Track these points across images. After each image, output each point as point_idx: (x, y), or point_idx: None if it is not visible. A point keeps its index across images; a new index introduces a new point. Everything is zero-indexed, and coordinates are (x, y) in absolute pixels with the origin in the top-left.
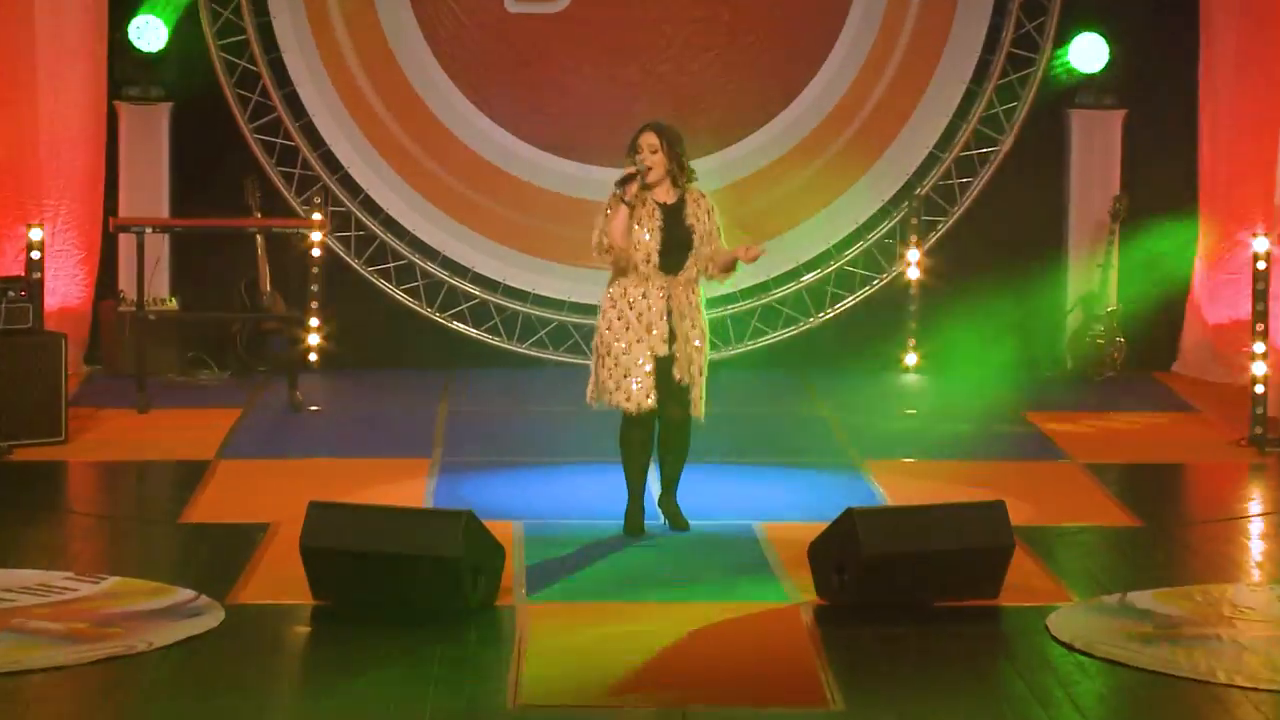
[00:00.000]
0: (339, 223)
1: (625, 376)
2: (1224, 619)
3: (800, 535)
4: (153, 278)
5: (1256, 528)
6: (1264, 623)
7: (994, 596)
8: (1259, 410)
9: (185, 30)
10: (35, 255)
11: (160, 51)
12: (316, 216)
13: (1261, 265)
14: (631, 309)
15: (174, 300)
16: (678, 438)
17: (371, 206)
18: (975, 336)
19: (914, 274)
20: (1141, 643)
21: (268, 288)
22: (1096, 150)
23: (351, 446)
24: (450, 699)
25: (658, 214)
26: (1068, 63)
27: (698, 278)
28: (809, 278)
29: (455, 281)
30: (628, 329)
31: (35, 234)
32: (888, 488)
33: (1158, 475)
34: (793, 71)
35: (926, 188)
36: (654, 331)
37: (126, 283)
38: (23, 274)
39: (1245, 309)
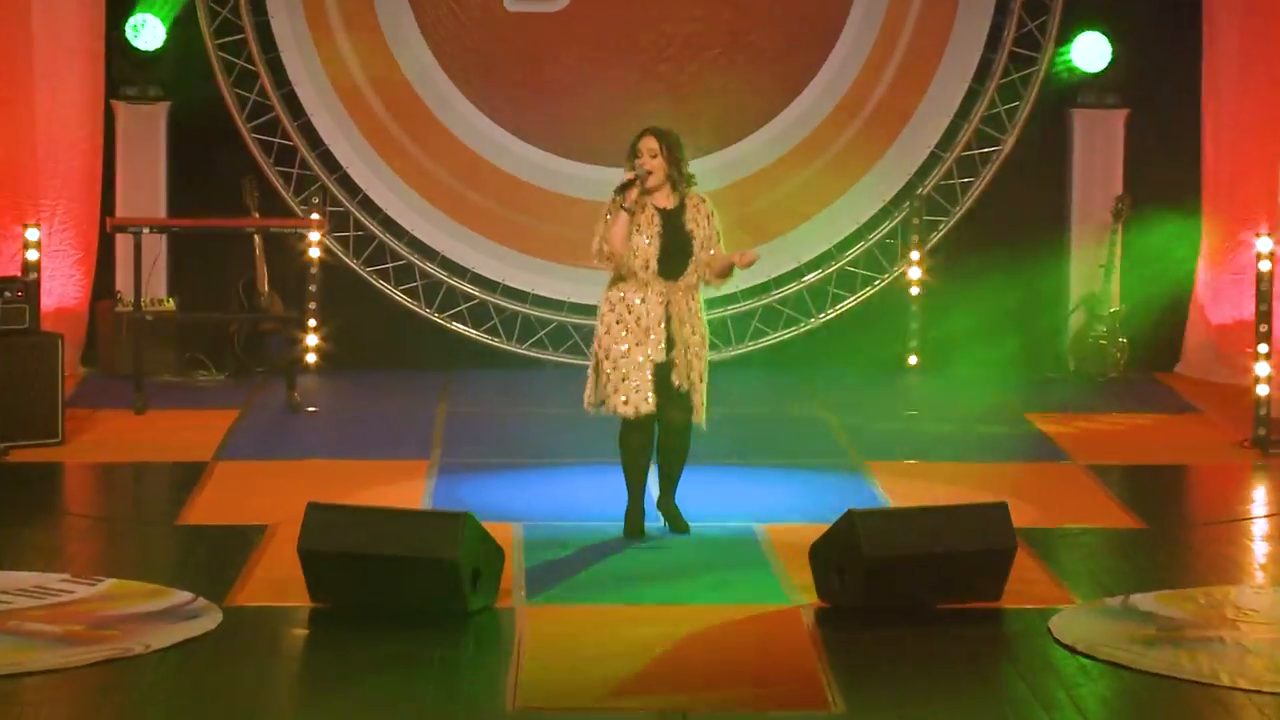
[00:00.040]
0: (337, 223)
1: (624, 381)
2: (1227, 621)
3: (801, 537)
4: (150, 278)
5: (1260, 529)
6: (1268, 625)
7: (996, 599)
8: (1262, 411)
9: (183, 29)
10: (32, 255)
11: (158, 50)
12: (315, 216)
13: (1265, 265)
14: (630, 314)
15: (171, 301)
16: (678, 442)
17: (370, 206)
18: (977, 337)
19: (915, 274)
20: (1144, 645)
21: (265, 288)
22: (1099, 150)
23: (350, 448)
24: (449, 702)
25: (657, 220)
26: (1070, 62)
27: (698, 283)
28: (810, 278)
29: (454, 282)
30: (626, 333)
31: (32, 234)
32: (889, 489)
33: (1160, 477)
34: (794, 71)
35: (928, 187)
36: (652, 337)
37: (124, 283)
38: (19, 274)
39: (1248, 309)
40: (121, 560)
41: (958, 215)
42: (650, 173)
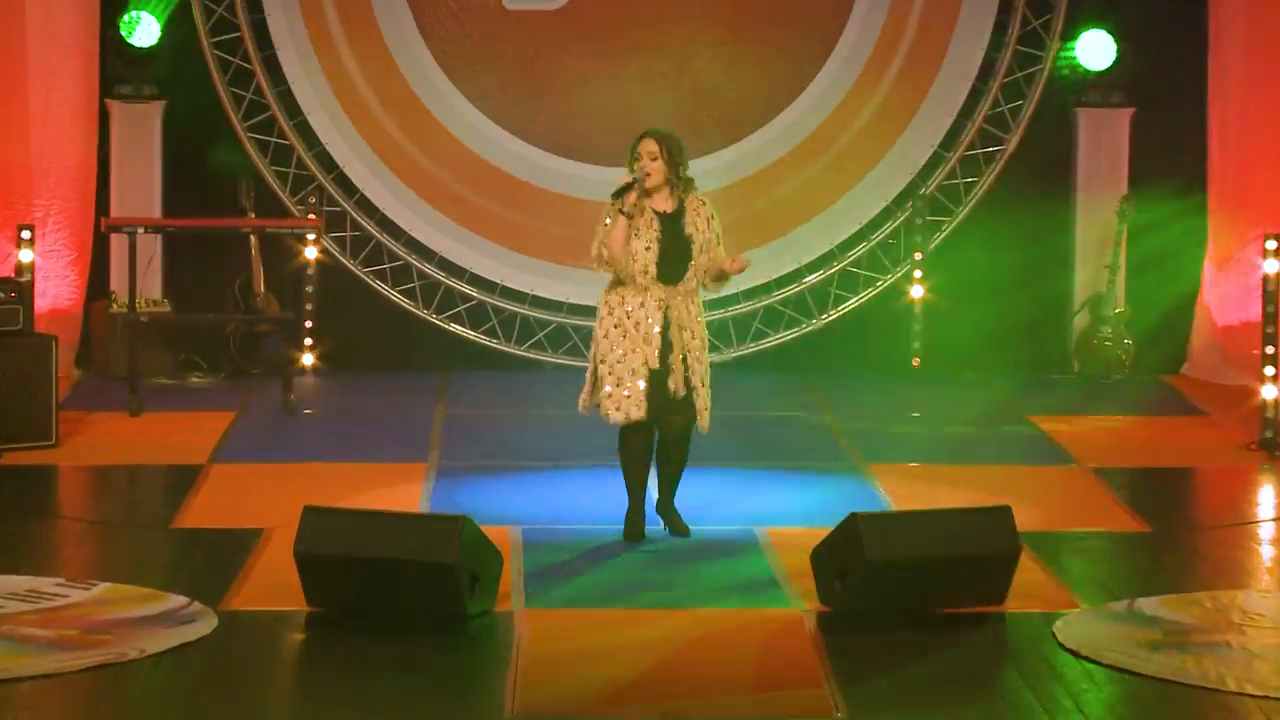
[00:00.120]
0: (334, 223)
1: (617, 386)
2: (1234, 626)
3: (803, 540)
4: (145, 279)
5: (1267, 533)
6: (1275, 629)
7: (1000, 603)
8: (1269, 414)
9: (178, 27)
10: (25, 256)
11: (152, 47)
12: (311, 217)
13: (1272, 266)
14: (629, 318)
15: (166, 302)
16: (677, 447)
17: (367, 206)
18: (981, 338)
19: (918, 275)
20: (1150, 650)
21: (261, 289)
22: (1104, 149)
23: (347, 450)
24: (447, 707)
25: (656, 224)
26: (1075, 60)
27: (697, 287)
28: (812, 279)
29: (452, 283)
30: (624, 338)
31: (25, 234)
32: (892, 492)
33: (1166, 480)
34: (795, 69)
35: (931, 187)
36: (649, 343)
37: (118, 284)
38: (13, 275)
39: (1255, 310)
40: (116, 564)
41: (961, 215)
42: (649, 175)
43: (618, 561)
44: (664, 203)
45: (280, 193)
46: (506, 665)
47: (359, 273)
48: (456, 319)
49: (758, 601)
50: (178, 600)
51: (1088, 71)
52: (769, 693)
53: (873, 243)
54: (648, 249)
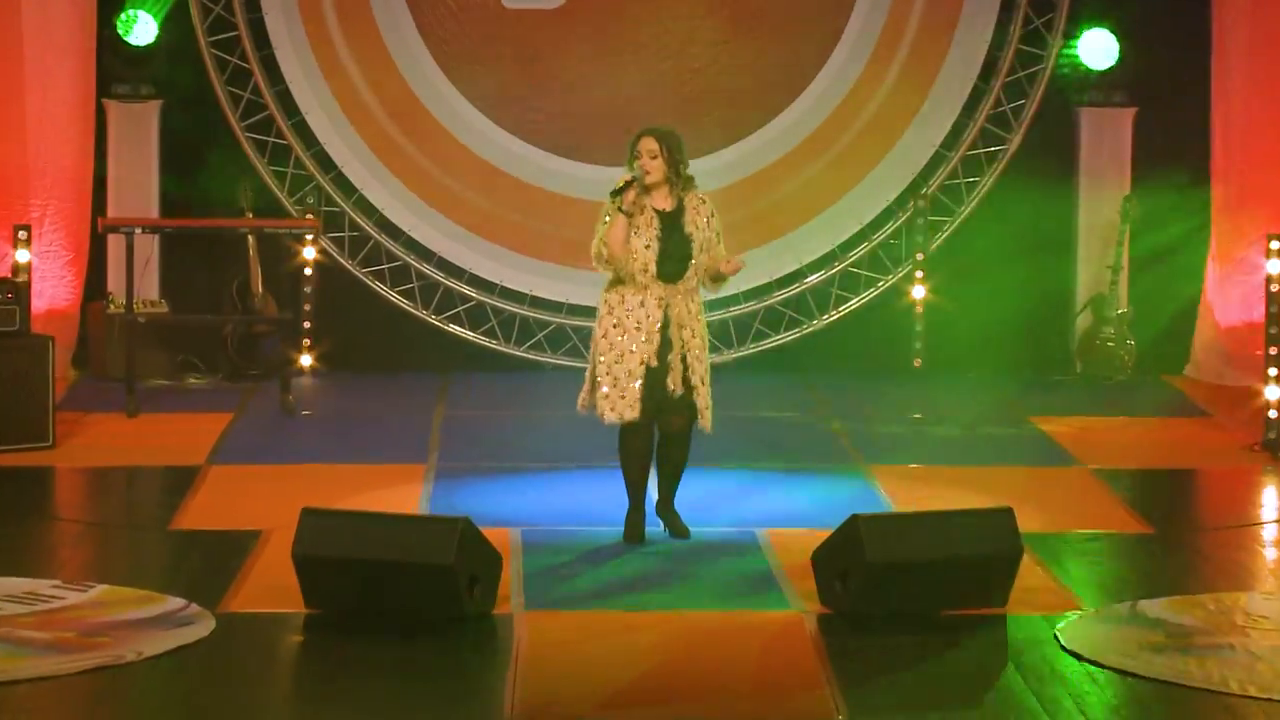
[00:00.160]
0: (332, 223)
1: (613, 386)
2: (1237, 628)
3: (804, 542)
4: (142, 279)
5: (1270, 534)
6: (1278, 632)
7: (1002, 605)
8: (1273, 414)
9: (175, 26)
10: (22, 256)
11: (150, 46)
12: (309, 217)
13: (1276, 266)
14: (629, 317)
15: (164, 302)
16: (677, 447)
17: (366, 206)
18: (982, 339)
19: (920, 275)
20: (1153, 652)
21: (259, 289)
22: (1106, 149)
23: (345, 452)
24: (446, 710)
25: (656, 222)
26: (1077, 59)
27: (697, 285)
28: (813, 279)
29: (451, 283)
30: (623, 337)
31: (22, 234)
32: (893, 494)
33: (1169, 481)
34: (796, 68)
35: (933, 187)
36: (648, 342)
37: (115, 284)
38: (9, 275)
39: (1259, 311)
40: (113, 566)
41: (963, 215)
42: (648, 172)
43: (618, 563)
44: (664, 201)
45: (278, 193)
46: (506, 668)
47: (357, 273)
48: (455, 320)
49: (758, 603)
50: (175, 602)
51: (1090, 70)
52: (769, 695)
53: (874, 243)
54: (647, 247)
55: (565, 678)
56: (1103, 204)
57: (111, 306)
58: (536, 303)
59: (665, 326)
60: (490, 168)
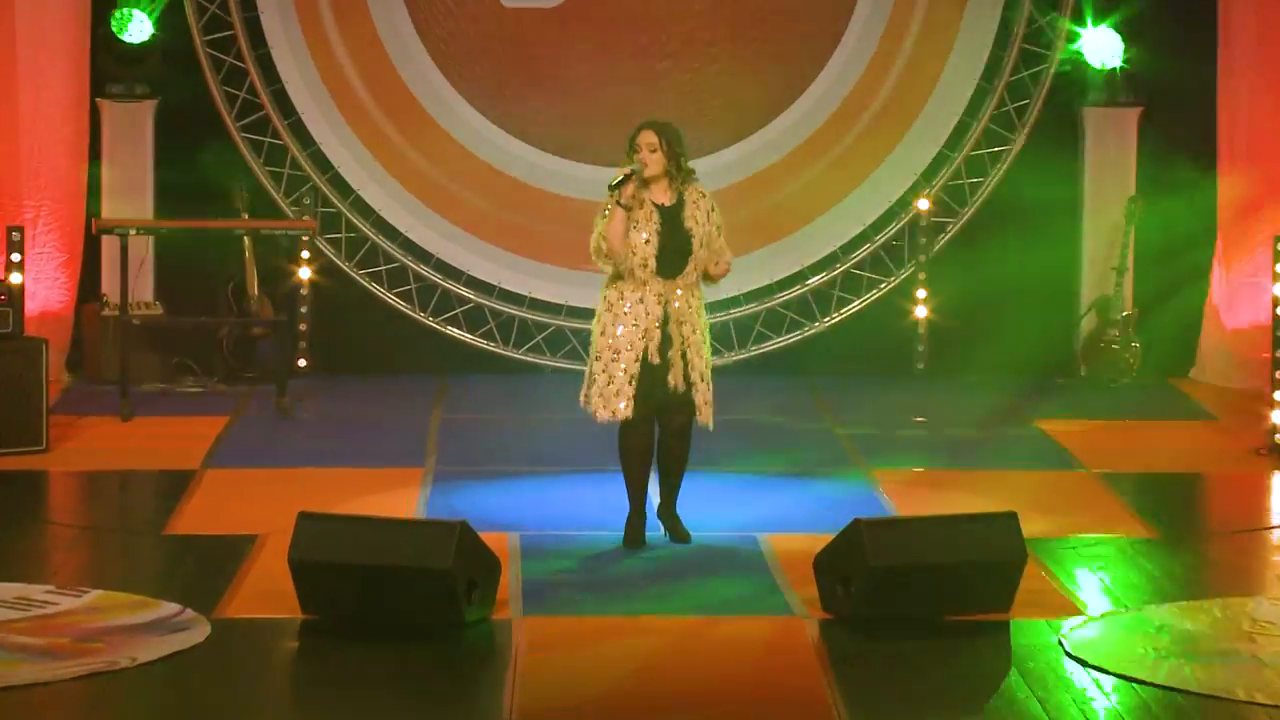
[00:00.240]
0: (329, 224)
1: (609, 384)
2: (1244, 634)
3: (805, 547)
4: (136, 281)
5: (1277, 539)
6: None
7: (1006, 610)
8: (1279, 418)
9: (170, 25)
10: (15, 258)
11: (144, 45)
12: (306, 218)
13: None
14: (629, 314)
15: (159, 304)
16: (678, 444)
17: (363, 207)
18: (986, 341)
19: (922, 277)
20: (1158, 658)
21: (255, 291)
22: (1111, 149)
23: (342, 455)
24: (444, 716)
25: (655, 217)
26: (1081, 58)
27: (698, 281)
28: (814, 281)
29: (449, 285)
30: (622, 333)
31: (15, 236)
32: (896, 498)
33: (1175, 485)
34: (797, 68)
35: (936, 187)
36: (648, 338)
37: (110, 286)
38: (2, 277)
39: (1265, 313)
40: (107, 571)
41: (966, 216)
42: (647, 166)
43: (618, 568)
44: (663, 195)
45: (274, 193)
46: (504, 674)
47: (354, 275)
48: (453, 321)
49: (759, 608)
50: (170, 608)
51: (1095, 70)
52: (770, 701)
53: (876, 244)
54: (647, 242)
55: (564, 683)
56: (1107, 205)
57: (106, 309)
58: (535, 304)
59: (665, 323)
60: (488, 168)
